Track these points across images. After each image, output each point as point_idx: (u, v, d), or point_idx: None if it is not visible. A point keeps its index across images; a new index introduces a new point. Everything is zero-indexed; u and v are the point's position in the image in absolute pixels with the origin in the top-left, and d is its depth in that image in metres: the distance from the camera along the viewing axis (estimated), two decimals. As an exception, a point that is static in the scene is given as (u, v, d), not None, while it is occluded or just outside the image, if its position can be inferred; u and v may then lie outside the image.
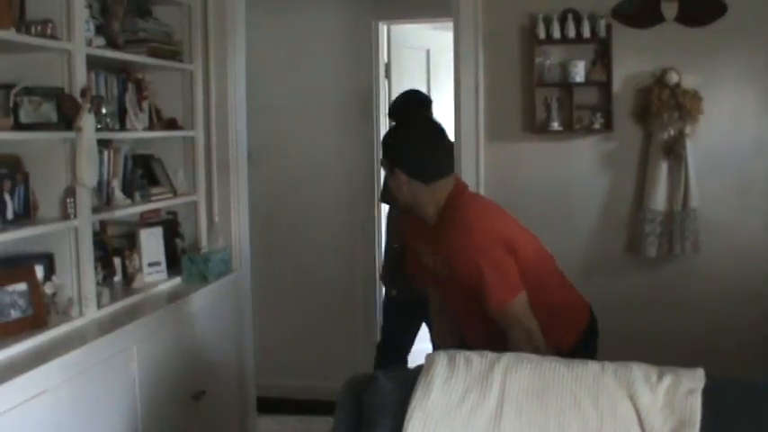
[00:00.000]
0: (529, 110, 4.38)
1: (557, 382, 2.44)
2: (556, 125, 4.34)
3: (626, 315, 4.33)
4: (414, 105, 4.79)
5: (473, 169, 4.46)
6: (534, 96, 4.35)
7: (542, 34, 4.28)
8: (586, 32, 4.25)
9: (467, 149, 4.46)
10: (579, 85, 4.29)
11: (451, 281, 3.05)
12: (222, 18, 4.70)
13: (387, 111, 5.74)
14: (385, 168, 3.21)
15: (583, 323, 3.30)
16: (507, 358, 2.52)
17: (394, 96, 5.80)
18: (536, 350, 2.78)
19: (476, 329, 3.20)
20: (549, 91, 4.36)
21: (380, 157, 3.28)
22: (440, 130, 3.24)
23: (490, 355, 2.57)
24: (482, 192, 4.43)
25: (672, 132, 4.20)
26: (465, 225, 2.99)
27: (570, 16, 4.26)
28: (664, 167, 4.22)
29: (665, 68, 4.21)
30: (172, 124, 4.53)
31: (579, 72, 4.27)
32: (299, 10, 5.69)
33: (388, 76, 5.92)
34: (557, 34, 4.27)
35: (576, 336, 3.20)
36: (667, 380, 2.41)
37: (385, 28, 5.88)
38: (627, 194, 4.37)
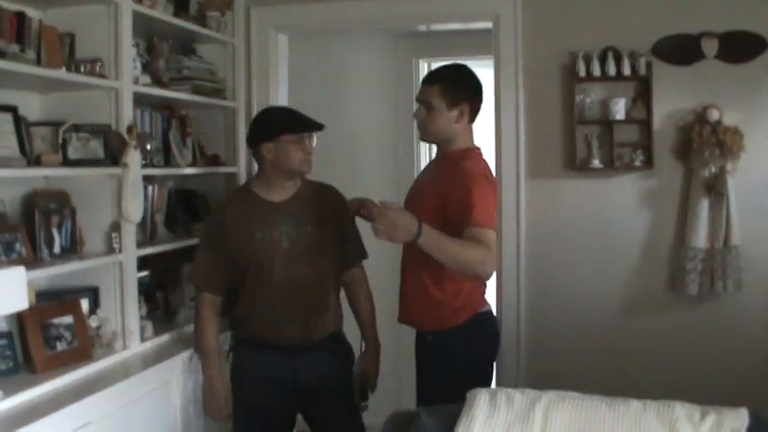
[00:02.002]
0: (569, 147, 4.38)
1: (598, 421, 2.43)
2: (596, 162, 4.32)
3: (668, 353, 4.30)
4: None
5: (513, 205, 4.46)
6: (575, 134, 4.35)
7: (582, 72, 4.28)
8: (627, 70, 4.24)
9: (507, 186, 4.46)
10: (620, 122, 4.28)
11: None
12: (265, 56, 4.79)
13: (427, 147, 5.79)
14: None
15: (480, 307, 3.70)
16: (549, 396, 2.52)
17: None
18: (486, 275, 3.38)
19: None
20: (589, 128, 4.35)
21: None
22: None
23: (531, 392, 2.58)
24: (522, 228, 4.46)
25: (713, 169, 4.17)
26: (473, 166, 3.54)
27: (610, 54, 4.26)
28: (705, 205, 4.19)
29: (705, 105, 4.19)
30: (214, 160, 4.59)
31: (620, 109, 4.26)
32: (341, 47, 5.76)
33: (428, 112, 5.90)
34: (597, 72, 4.27)
35: (473, 313, 3.63)
36: (710, 419, 2.40)
37: (425, 65, 5.90)
38: (668, 232, 4.33)
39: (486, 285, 3.75)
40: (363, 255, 3.81)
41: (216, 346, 3.56)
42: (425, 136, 3.78)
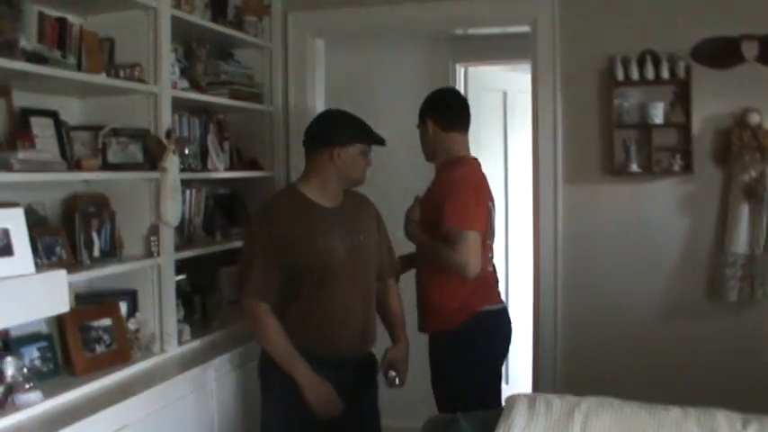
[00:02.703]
0: (607, 152, 4.35)
1: (638, 428, 2.41)
2: (634, 167, 4.29)
3: (707, 359, 4.25)
4: None
5: (551, 211, 4.45)
6: (613, 138, 4.32)
7: (621, 76, 4.25)
8: (665, 74, 4.21)
9: (545, 191, 4.46)
10: (658, 126, 4.24)
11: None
12: (302, 60, 4.81)
13: None
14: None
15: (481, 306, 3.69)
16: (588, 402, 2.50)
17: (471, 140, 5.76)
18: (467, 275, 3.46)
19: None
20: (627, 133, 4.32)
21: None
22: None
23: (570, 398, 2.55)
24: (560, 233, 4.45)
25: (753, 174, 4.11)
26: (453, 172, 3.67)
27: (649, 57, 4.22)
28: (745, 210, 4.14)
29: (745, 109, 4.14)
30: (252, 164, 4.61)
31: (658, 114, 4.22)
32: (378, 51, 5.73)
33: (465, 118, 5.88)
34: (635, 76, 4.24)
35: (472, 313, 3.64)
36: (753, 428, 2.36)
37: (462, 70, 5.88)
38: (707, 237, 4.29)
39: (495, 283, 3.86)
40: (399, 270, 3.73)
41: (294, 349, 3.26)
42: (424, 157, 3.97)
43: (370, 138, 3.41)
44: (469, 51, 5.74)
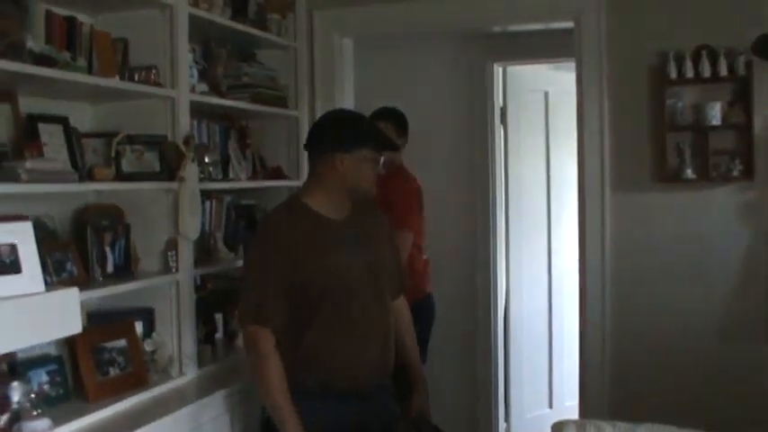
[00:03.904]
0: (659, 157, 4.29)
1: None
2: (689, 173, 4.23)
3: (769, 383, 4.17)
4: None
5: (597, 221, 4.41)
6: (665, 142, 4.26)
7: (674, 73, 4.20)
8: (723, 70, 4.13)
9: (591, 200, 4.41)
10: (715, 128, 4.18)
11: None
12: (330, 61, 4.80)
13: (503, 160, 5.85)
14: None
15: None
16: (644, 430, 2.43)
17: (511, 144, 5.82)
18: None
19: None
20: (681, 135, 4.26)
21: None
22: None
23: (623, 425, 2.50)
24: (607, 245, 4.40)
25: (821, 180, 4.06)
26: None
27: (705, 53, 4.16)
28: (812, 219, 4.07)
29: (813, 108, 4.08)
30: (276, 173, 4.59)
31: (715, 114, 4.16)
32: (410, 51, 5.70)
33: (503, 121, 5.89)
34: (690, 73, 4.17)
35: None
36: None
37: (500, 70, 5.86)
38: (770, 249, 4.22)
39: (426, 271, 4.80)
40: (406, 285, 3.54)
41: (290, 398, 3.01)
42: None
43: (378, 142, 3.18)
44: (508, 49, 5.71)
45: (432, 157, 5.73)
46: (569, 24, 4.50)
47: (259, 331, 3.01)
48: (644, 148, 4.35)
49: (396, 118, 4.64)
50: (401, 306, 3.45)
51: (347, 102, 4.87)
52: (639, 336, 4.39)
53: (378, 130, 3.31)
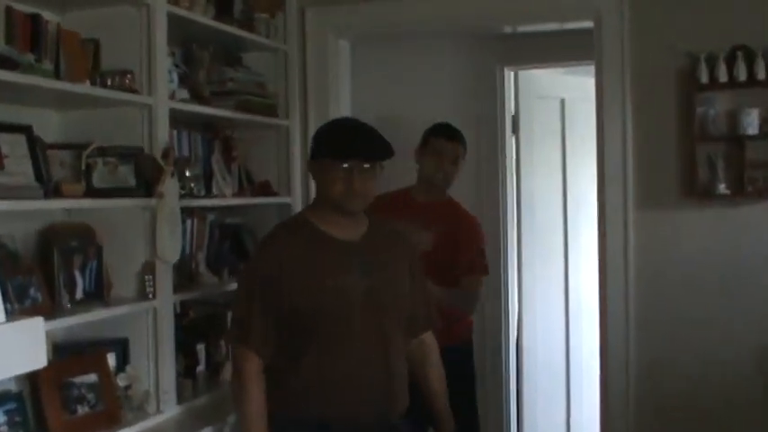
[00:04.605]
0: (689, 170, 4.27)
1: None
2: (722, 188, 4.20)
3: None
4: None
5: (620, 242, 4.38)
6: (695, 153, 4.24)
7: (705, 77, 4.17)
8: (761, 73, 4.10)
9: (613, 218, 4.40)
10: (752, 138, 4.15)
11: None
12: (323, 65, 4.79)
13: (515, 172, 5.81)
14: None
15: None
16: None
17: (523, 155, 5.77)
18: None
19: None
20: (713, 146, 4.24)
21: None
22: None
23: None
24: (631, 267, 4.39)
25: None
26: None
27: (741, 54, 4.13)
28: None
29: None
30: (265, 189, 4.58)
31: (752, 122, 4.13)
32: (413, 55, 5.70)
33: (515, 130, 5.88)
34: (723, 77, 4.15)
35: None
36: None
37: (511, 74, 5.86)
38: (813, 273, 4.21)
39: None
40: (435, 321, 3.46)
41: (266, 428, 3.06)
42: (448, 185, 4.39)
43: (338, 150, 3.07)
44: (520, 52, 5.69)
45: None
46: (588, 24, 4.48)
47: (243, 352, 3.05)
48: (672, 161, 4.33)
49: (463, 138, 4.39)
50: (428, 346, 3.40)
51: (343, 110, 4.85)
52: (667, 368, 4.36)
53: (348, 135, 3.18)
